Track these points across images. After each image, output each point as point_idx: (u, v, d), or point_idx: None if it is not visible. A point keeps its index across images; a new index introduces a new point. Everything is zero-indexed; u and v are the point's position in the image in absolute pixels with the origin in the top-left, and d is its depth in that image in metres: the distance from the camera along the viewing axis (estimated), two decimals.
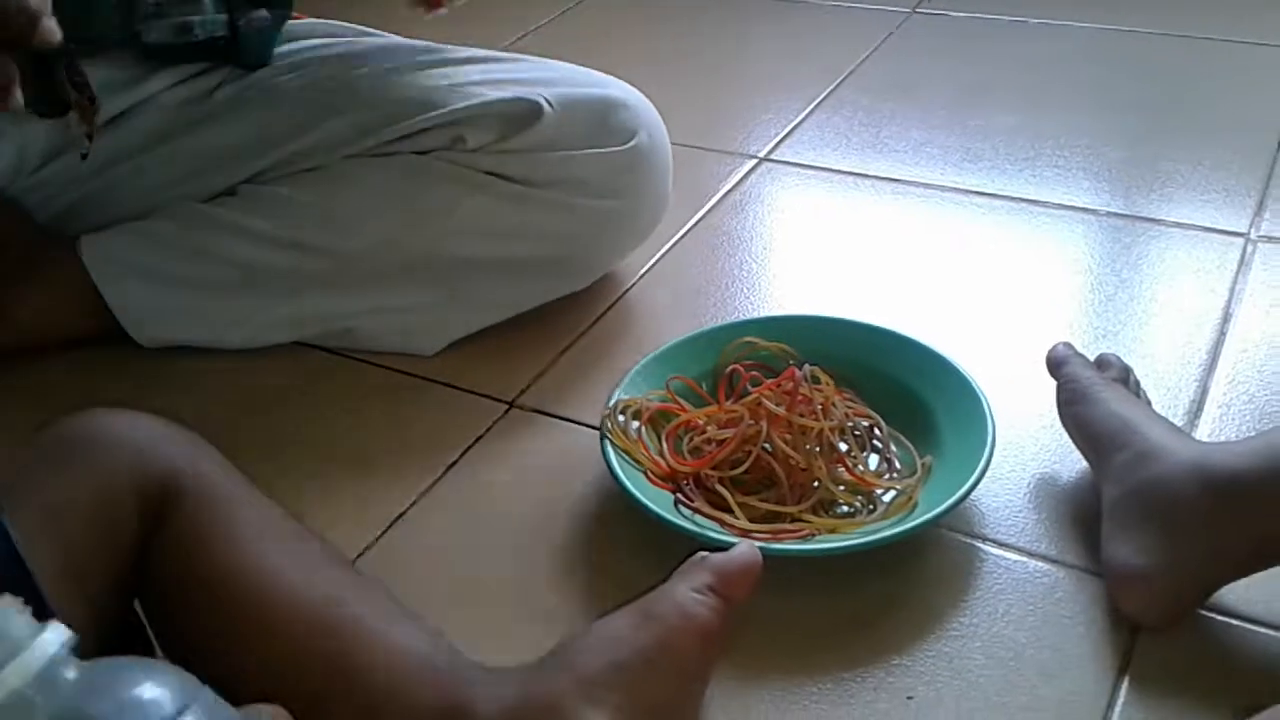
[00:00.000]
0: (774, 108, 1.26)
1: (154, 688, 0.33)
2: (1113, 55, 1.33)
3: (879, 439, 0.75)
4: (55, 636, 0.32)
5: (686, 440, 0.75)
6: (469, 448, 0.81)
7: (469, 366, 0.88)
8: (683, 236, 1.03)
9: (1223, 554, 0.61)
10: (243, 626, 0.52)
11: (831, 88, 1.29)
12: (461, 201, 0.83)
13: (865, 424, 0.75)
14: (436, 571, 0.71)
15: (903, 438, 0.75)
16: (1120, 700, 0.60)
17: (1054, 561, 0.69)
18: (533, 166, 0.84)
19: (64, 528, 0.51)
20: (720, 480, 0.71)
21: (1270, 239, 0.98)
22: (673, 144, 0.94)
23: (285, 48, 0.91)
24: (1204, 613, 0.64)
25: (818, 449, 0.71)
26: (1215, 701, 0.59)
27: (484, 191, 0.83)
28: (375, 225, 0.84)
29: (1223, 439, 0.77)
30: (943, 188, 1.09)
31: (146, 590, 0.54)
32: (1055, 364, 0.74)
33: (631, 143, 0.86)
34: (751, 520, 0.69)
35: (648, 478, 0.72)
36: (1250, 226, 1.00)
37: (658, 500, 0.69)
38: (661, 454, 0.73)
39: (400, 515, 0.75)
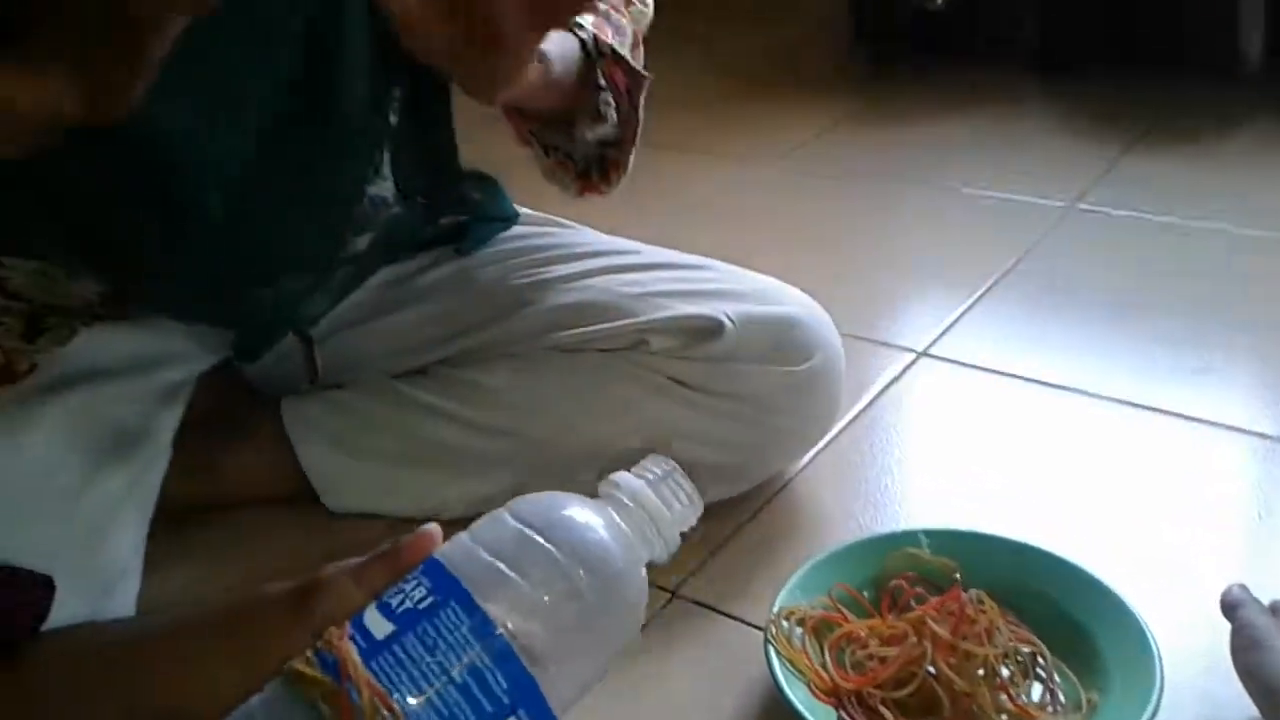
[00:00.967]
0: (932, 299, 1.29)
1: None
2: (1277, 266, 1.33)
3: (1042, 668, 0.75)
4: None
5: (849, 652, 0.77)
6: None
7: None
8: (844, 430, 1.06)
9: None
10: None
11: (991, 283, 1.32)
12: (641, 401, 0.89)
13: (1028, 651, 0.76)
14: None
15: (1065, 668, 0.75)
16: None
17: None
18: (711, 377, 0.88)
19: None
20: (883, 701, 0.72)
21: None
22: None
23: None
24: None
25: (981, 674, 0.72)
26: None
27: (663, 394, 0.89)
28: (560, 414, 0.90)
29: None
30: (1104, 397, 1.09)
31: None
32: (1229, 607, 0.73)
33: (807, 364, 0.90)
34: None
35: (811, 690, 0.74)
36: None
37: (821, 715, 0.71)
38: (825, 666, 0.75)
39: None
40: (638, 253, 0.97)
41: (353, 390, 0.95)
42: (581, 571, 0.51)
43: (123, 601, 0.76)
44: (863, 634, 0.78)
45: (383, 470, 0.93)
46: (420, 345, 0.95)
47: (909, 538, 0.84)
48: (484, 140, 0.93)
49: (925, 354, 1.19)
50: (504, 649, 0.48)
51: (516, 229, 1.00)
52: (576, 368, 0.90)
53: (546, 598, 0.50)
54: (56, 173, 0.65)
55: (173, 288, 0.81)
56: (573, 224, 1.03)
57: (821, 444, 1.03)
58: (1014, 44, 2.01)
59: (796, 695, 0.72)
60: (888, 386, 1.13)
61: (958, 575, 0.79)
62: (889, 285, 1.36)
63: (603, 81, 0.82)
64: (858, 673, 0.75)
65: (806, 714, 0.70)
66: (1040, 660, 0.76)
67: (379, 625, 0.49)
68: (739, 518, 0.95)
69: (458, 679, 0.47)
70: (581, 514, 0.54)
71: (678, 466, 0.58)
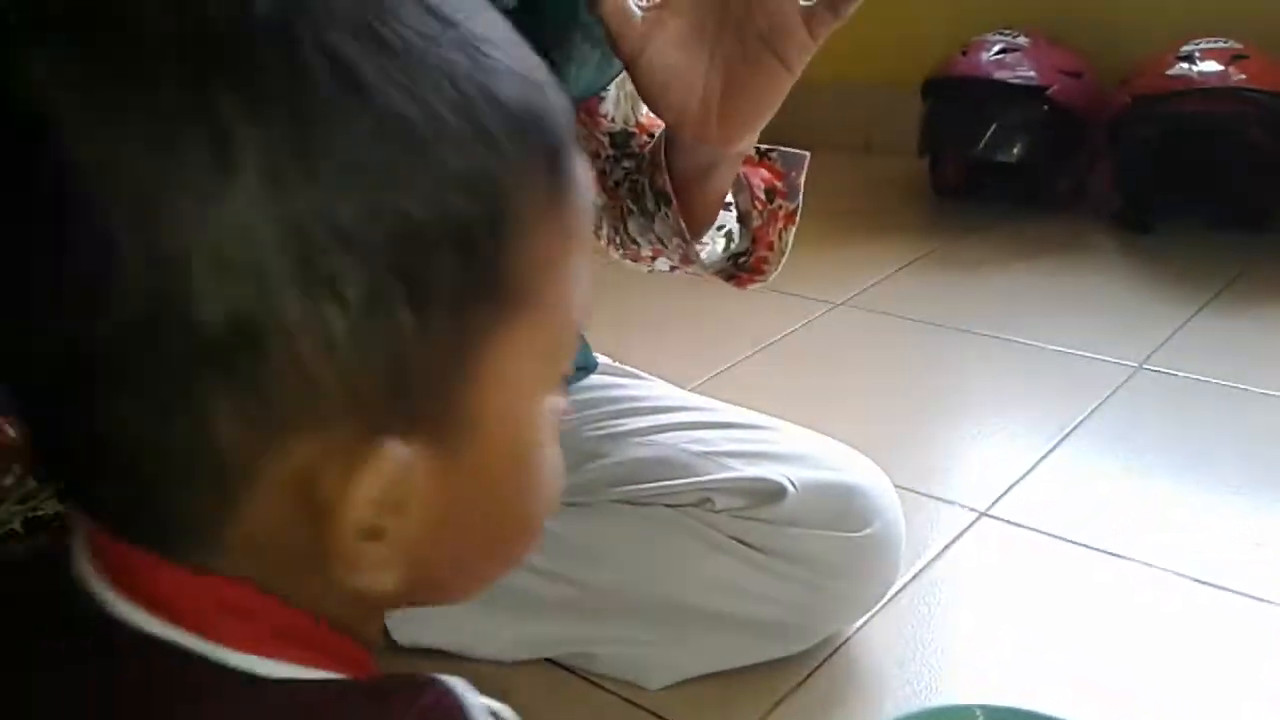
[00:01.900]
0: (993, 457, 1.31)
1: None
2: None
3: None
4: None
5: None
6: None
7: (687, 706, 0.93)
8: (902, 590, 1.07)
9: None
10: None
11: (1054, 443, 1.32)
12: (703, 557, 0.91)
13: None
14: None
15: None
16: None
17: None
18: (772, 538, 0.91)
19: None
20: None
21: None
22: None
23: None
24: None
25: None
26: None
27: (725, 552, 0.91)
28: (624, 565, 0.93)
29: None
30: (1166, 570, 1.09)
31: None
32: None
33: (866, 531, 0.93)
34: None
35: None
36: None
37: None
38: None
39: None
40: (706, 410, 1.00)
41: None
42: None
43: None
44: None
45: (451, 608, 0.96)
46: None
47: (964, 712, 0.84)
48: None
49: (986, 514, 1.20)
50: None
51: (593, 378, 1.04)
52: (642, 520, 0.93)
53: None
54: None
55: None
56: (646, 376, 1.07)
57: (878, 605, 1.04)
58: (1092, 198, 2.04)
59: None
60: (947, 546, 1.14)
61: None
62: (952, 439, 1.38)
63: (731, 198, 0.86)
64: None
65: None
66: None
67: None
68: (794, 678, 0.96)
69: None
70: None
71: None
